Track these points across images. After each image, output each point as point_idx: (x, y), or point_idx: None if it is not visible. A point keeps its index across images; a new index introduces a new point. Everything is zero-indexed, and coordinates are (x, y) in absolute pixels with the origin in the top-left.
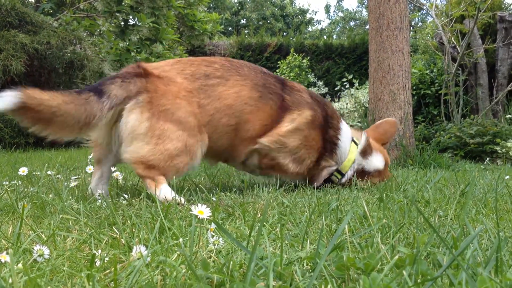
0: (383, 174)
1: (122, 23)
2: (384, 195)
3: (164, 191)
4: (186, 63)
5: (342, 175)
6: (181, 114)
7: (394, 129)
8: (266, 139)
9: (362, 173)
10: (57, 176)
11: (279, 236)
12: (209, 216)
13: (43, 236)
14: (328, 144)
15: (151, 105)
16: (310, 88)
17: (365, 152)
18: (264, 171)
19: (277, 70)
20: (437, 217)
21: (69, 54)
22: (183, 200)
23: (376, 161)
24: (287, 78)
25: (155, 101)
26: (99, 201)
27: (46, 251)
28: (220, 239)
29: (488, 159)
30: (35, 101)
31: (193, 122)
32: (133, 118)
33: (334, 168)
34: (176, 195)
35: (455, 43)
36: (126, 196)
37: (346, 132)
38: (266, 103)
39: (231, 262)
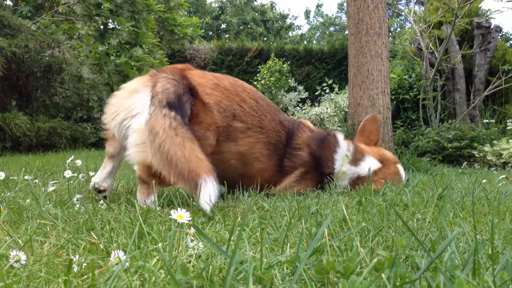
0: (384, 171)
1: (102, 27)
2: (363, 199)
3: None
4: (224, 92)
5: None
6: (202, 144)
7: (376, 124)
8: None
9: (359, 179)
10: (34, 180)
11: (259, 240)
12: (189, 220)
13: (20, 241)
14: (324, 177)
15: None
16: (290, 93)
17: (355, 160)
18: None
19: (258, 75)
20: (415, 221)
21: (47, 58)
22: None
23: (369, 163)
24: (268, 82)
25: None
26: (77, 205)
27: (23, 256)
28: (200, 243)
29: (465, 163)
30: None
31: (208, 151)
32: None
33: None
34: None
35: (433, 48)
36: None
37: (340, 155)
38: (270, 162)
39: (211, 267)
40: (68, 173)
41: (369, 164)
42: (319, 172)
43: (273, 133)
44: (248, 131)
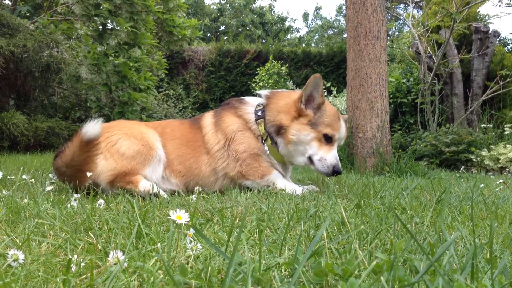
0: None
1: (100, 27)
2: (362, 202)
3: None
4: None
5: None
6: None
7: None
8: None
9: None
10: (32, 180)
11: (258, 242)
12: (188, 221)
13: (17, 240)
14: None
15: None
16: None
17: None
18: None
19: (256, 77)
20: (413, 224)
21: (45, 58)
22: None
23: None
24: (266, 85)
25: None
26: (75, 205)
27: (20, 256)
28: (198, 244)
29: (463, 167)
30: None
31: None
32: None
33: None
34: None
35: (431, 52)
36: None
37: None
38: None
39: (209, 268)
40: None
41: None
42: None
43: None
44: None
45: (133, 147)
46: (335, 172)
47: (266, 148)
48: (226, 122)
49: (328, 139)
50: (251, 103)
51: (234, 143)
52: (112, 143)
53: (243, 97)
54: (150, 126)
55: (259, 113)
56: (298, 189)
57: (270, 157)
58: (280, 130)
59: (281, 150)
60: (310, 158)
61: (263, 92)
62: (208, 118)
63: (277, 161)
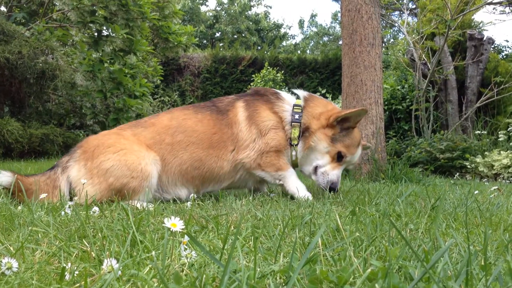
0: None
1: (96, 34)
2: (357, 209)
3: None
4: None
5: None
6: None
7: None
8: None
9: None
10: None
11: (253, 249)
12: (182, 229)
13: (11, 248)
14: None
15: None
16: None
17: None
18: None
19: (252, 83)
20: (408, 231)
21: (40, 64)
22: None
23: None
24: None
25: None
26: (69, 212)
27: (14, 264)
28: (193, 252)
29: (457, 174)
30: None
31: None
32: None
33: None
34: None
35: (425, 59)
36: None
37: None
38: None
39: (204, 276)
40: None
41: None
42: None
43: None
44: None
45: (121, 180)
46: (331, 188)
47: (294, 152)
48: (261, 117)
49: (339, 158)
50: (288, 100)
51: (265, 137)
52: (103, 171)
53: (278, 91)
54: (154, 140)
55: (297, 116)
56: (309, 196)
57: (289, 159)
58: (305, 132)
59: (298, 154)
60: (315, 168)
61: (302, 93)
62: (240, 111)
63: (292, 164)
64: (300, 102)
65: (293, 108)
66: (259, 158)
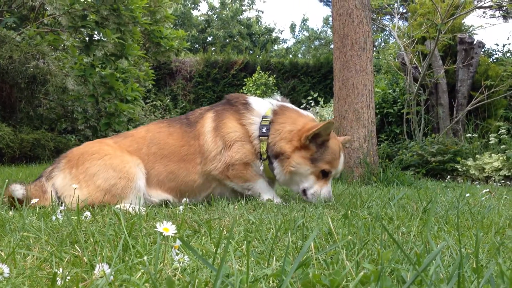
0: None
1: (87, 38)
2: (349, 212)
3: None
4: None
5: None
6: None
7: None
8: None
9: None
10: None
11: (245, 253)
12: (175, 233)
13: (2, 254)
14: None
15: None
16: None
17: None
18: None
19: (244, 88)
20: (400, 234)
21: (31, 69)
22: None
23: None
24: (253, 95)
25: None
26: (61, 217)
27: (6, 269)
28: (185, 256)
29: (449, 177)
30: None
31: None
32: None
33: None
34: None
35: (416, 63)
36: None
37: None
38: None
39: (197, 280)
40: None
41: None
42: None
43: None
44: None
45: (109, 181)
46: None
47: (262, 167)
48: (227, 128)
49: (325, 174)
50: (257, 111)
51: (230, 150)
52: (91, 175)
53: (249, 100)
54: (133, 147)
55: (264, 130)
56: (278, 200)
57: (261, 171)
58: (280, 156)
59: (277, 174)
60: (304, 191)
61: (274, 102)
62: (208, 122)
63: (267, 176)
64: (270, 113)
65: (262, 120)
66: (226, 170)
